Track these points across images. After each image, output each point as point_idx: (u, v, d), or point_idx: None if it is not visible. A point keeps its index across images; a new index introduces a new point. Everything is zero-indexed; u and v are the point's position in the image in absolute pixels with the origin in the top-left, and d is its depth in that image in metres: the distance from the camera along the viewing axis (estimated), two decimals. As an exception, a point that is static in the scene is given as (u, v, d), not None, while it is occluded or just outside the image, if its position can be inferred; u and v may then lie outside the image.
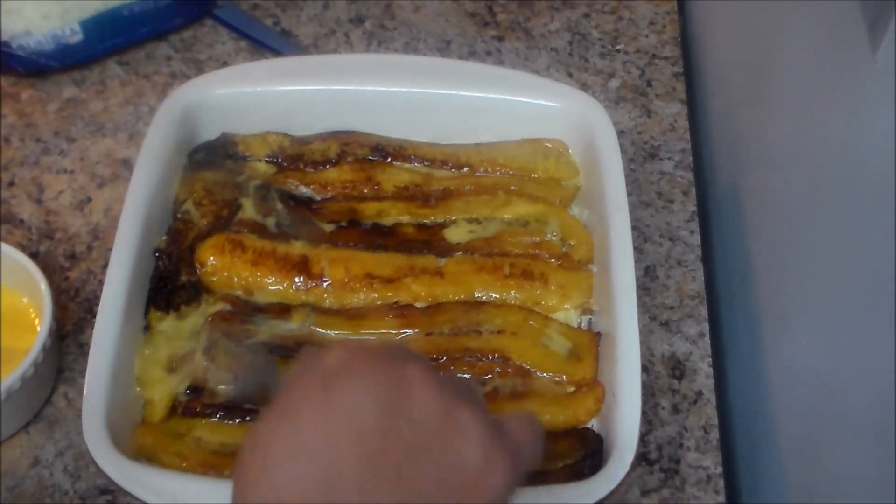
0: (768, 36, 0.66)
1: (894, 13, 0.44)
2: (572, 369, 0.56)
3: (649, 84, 0.77)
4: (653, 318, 0.64)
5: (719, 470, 0.58)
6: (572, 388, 0.56)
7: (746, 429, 0.64)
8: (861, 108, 0.50)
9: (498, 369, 0.56)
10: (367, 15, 0.81)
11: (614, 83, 0.77)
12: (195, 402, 0.55)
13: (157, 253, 0.59)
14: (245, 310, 0.57)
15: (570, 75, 0.77)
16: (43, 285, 0.57)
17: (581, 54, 0.79)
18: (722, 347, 0.68)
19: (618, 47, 0.79)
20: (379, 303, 0.58)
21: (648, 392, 0.61)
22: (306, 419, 0.36)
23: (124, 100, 0.75)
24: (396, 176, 0.64)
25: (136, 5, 0.74)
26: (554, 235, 0.61)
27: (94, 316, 0.54)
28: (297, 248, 0.60)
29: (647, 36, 0.80)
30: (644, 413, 0.55)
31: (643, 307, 0.64)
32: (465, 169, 0.65)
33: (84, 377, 0.52)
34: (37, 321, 0.58)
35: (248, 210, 0.62)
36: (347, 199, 0.64)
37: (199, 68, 0.77)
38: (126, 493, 0.49)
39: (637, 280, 0.56)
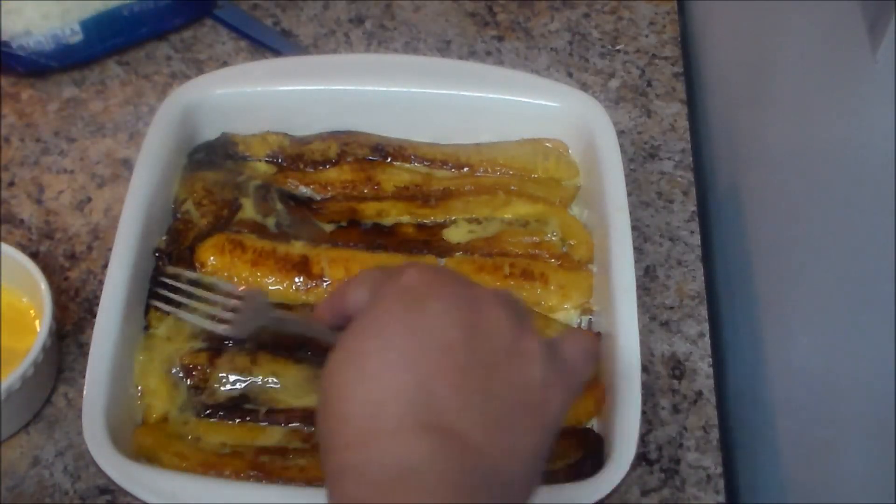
0: (768, 36, 0.66)
1: (894, 13, 0.44)
2: (572, 369, 0.56)
3: (649, 84, 0.77)
4: (653, 318, 0.64)
5: (719, 470, 0.58)
6: (572, 388, 0.56)
7: (746, 429, 0.64)
8: (861, 108, 0.50)
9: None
10: (367, 15, 0.81)
11: (614, 83, 0.77)
12: (195, 402, 0.55)
13: (157, 253, 0.59)
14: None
15: (570, 75, 0.78)
16: (43, 285, 0.57)
17: (581, 54, 0.79)
18: (722, 347, 0.68)
19: (618, 47, 0.79)
20: (379, 303, 0.58)
21: (648, 392, 0.61)
22: (397, 335, 0.38)
23: (124, 100, 0.75)
24: (396, 176, 0.64)
25: (136, 5, 0.74)
26: (554, 235, 0.61)
27: (94, 316, 0.54)
28: (297, 248, 0.60)
29: (647, 36, 0.80)
30: (644, 413, 0.55)
31: (643, 307, 0.64)
32: (465, 169, 0.65)
33: (84, 377, 0.52)
34: (37, 321, 0.58)
35: (248, 210, 0.62)
36: (347, 199, 0.64)
37: (199, 68, 0.77)
38: (126, 493, 0.49)
39: (637, 280, 0.56)
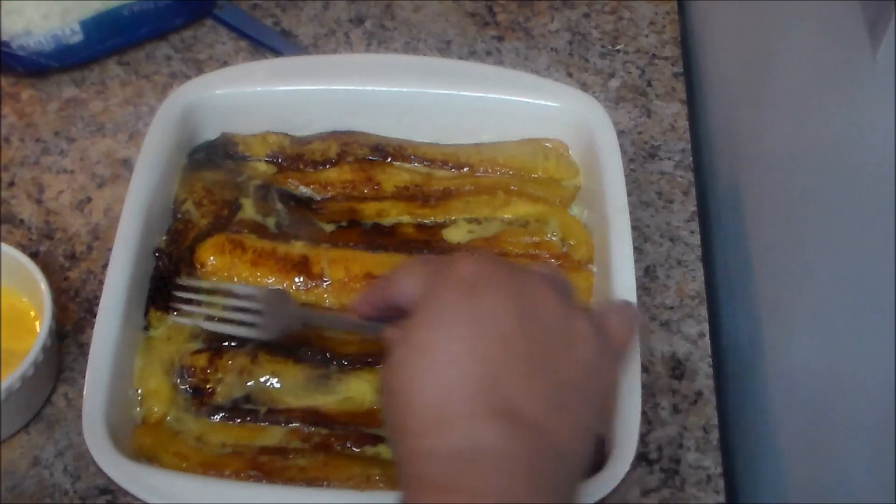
0: (768, 36, 0.66)
1: (894, 13, 0.44)
2: (572, 369, 0.56)
3: (649, 84, 0.77)
4: (653, 318, 0.64)
5: (719, 470, 0.58)
6: (572, 388, 0.56)
7: (746, 429, 0.64)
8: (861, 108, 0.50)
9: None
10: (367, 15, 0.81)
11: (614, 83, 0.77)
12: (195, 402, 0.55)
13: (157, 253, 0.59)
14: (245, 310, 0.57)
15: (570, 75, 0.77)
16: (43, 285, 0.57)
17: (581, 54, 0.79)
18: (722, 347, 0.68)
19: (618, 47, 0.79)
20: (379, 303, 0.58)
21: (648, 392, 0.61)
22: (459, 325, 0.40)
23: (124, 100, 0.75)
24: (396, 176, 0.64)
25: (136, 5, 0.74)
26: (554, 235, 0.61)
27: (94, 316, 0.54)
28: (297, 248, 0.60)
29: (647, 36, 0.80)
30: (644, 413, 0.55)
31: (643, 307, 0.64)
32: (465, 169, 0.65)
33: (84, 377, 0.52)
34: (37, 321, 0.58)
35: (248, 210, 0.62)
36: (347, 199, 0.64)
37: (199, 68, 0.77)
38: (126, 493, 0.49)
39: (637, 280, 0.56)
